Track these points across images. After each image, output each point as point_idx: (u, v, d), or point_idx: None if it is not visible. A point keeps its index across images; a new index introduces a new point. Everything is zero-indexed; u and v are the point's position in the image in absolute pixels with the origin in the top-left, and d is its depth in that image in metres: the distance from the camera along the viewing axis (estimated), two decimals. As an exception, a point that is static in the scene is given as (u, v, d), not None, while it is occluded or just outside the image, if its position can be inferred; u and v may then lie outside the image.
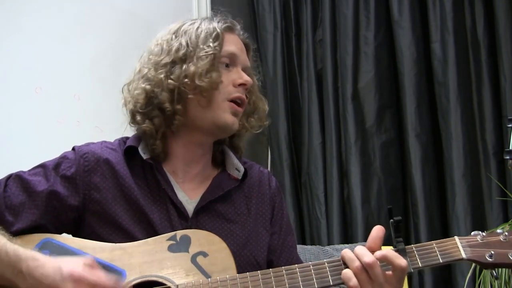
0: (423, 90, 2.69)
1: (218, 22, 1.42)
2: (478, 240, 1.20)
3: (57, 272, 1.12)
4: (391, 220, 1.20)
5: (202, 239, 1.27)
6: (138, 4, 2.68)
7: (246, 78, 1.40)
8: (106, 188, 1.33)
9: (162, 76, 1.36)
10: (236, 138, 1.48)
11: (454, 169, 2.56)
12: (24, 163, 1.38)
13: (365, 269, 1.16)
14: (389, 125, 2.78)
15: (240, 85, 1.39)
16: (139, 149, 1.37)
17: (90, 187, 1.32)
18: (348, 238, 2.76)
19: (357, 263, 1.16)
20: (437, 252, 1.19)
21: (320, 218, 2.83)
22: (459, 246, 1.19)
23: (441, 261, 1.18)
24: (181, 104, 1.36)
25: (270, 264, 1.41)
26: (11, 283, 1.15)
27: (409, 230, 2.69)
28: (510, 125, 1.26)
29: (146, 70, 1.39)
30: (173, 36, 1.41)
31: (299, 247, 1.77)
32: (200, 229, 1.31)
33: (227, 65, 1.40)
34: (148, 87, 1.37)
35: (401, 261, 1.16)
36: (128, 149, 1.37)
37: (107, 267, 1.22)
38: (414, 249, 1.20)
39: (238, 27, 1.46)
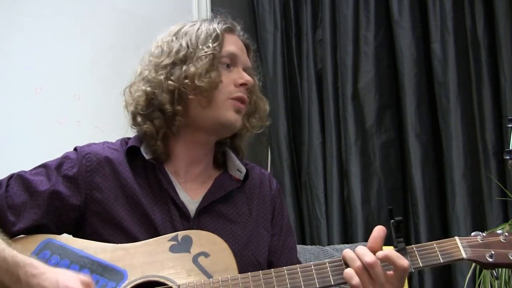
0: (423, 90, 2.69)
1: (218, 23, 1.43)
2: (478, 240, 1.20)
3: (53, 286, 1.12)
4: (392, 220, 1.20)
5: (203, 239, 1.27)
6: (138, 4, 2.68)
7: (247, 78, 1.40)
8: (108, 188, 1.33)
9: (162, 77, 1.36)
10: (237, 139, 1.48)
11: (454, 169, 2.56)
12: (24, 163, 1.38)
13: (366, 269, 1.16)
14: (389, 125, 2.78)
15: (241, 85, 1.39)
16: (141, 149, 1.37)
17: (92, 187, 1.32)
18: (348, 238, 2.76)
19: (358, 263, 1.17)
20: (438, 252, 1.19)
21: (320, 218, 2.83)
22: (460, 246, 1.19)
23: (441, 261, 1.19)
24: (182, 105, 1.36)
25: (270, 265, 1.41)
26: None
27: (409, 230, 2.68)
28: (510, 125, 1.26)
29: (146, 72, 1.39)
30: (174, 38, 1.41)
31: (299, 247, 1.77)
32: (201, 229, 1.31)
33: (228, 66, 1.40)
34: (148, 89, 1.37)
35: (403, 261, 1.16)
36: (130, 149, 1.38)
37: (108, 268, 1.22)
38: (414, 249, 1.20)
39: (238, 28, 1.47)
